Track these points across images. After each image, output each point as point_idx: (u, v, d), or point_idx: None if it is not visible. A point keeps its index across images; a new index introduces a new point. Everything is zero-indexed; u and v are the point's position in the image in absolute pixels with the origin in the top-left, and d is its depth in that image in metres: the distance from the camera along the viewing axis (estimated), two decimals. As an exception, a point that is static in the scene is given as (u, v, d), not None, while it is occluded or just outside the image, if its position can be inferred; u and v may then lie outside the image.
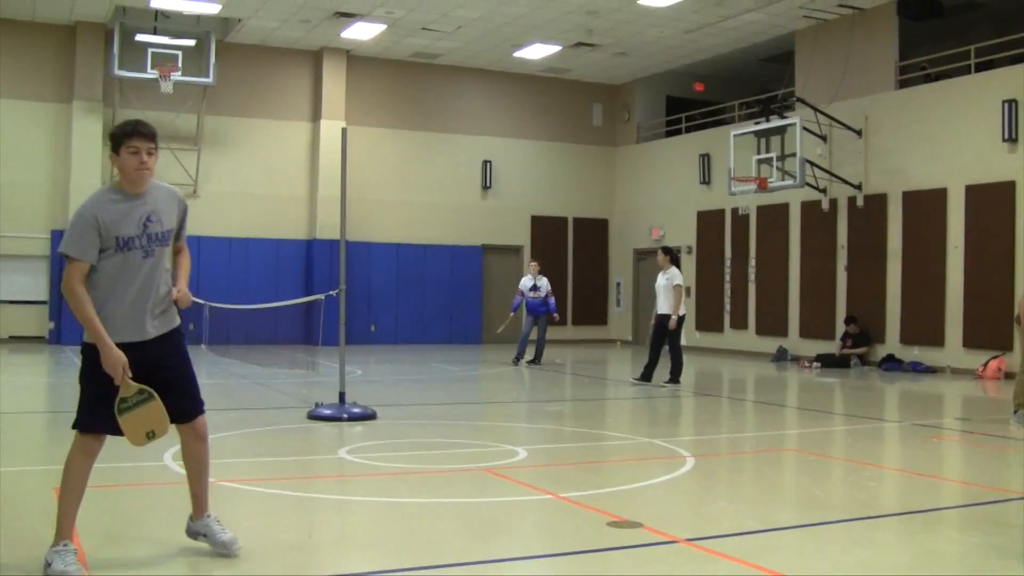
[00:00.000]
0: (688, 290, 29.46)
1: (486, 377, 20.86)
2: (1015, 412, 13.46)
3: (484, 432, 12.58)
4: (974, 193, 21.67)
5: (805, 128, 23.74)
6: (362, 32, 26.67)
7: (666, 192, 30.83)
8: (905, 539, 7.33)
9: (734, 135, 25.26)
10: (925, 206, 22.72)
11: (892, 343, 23.44)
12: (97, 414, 5.88)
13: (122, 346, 5.83)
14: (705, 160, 29.02)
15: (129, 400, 5.83)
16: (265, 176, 28.35)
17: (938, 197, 22.41)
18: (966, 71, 22.68)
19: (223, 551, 6.10)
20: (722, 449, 11.92)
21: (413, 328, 29.54)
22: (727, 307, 28.47)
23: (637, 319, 32.00)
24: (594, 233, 32.81)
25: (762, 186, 23.99)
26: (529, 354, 22.79)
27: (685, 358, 18.39)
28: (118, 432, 5.90)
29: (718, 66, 30.23)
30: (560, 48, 28.24)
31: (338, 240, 13.98)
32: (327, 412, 12.86)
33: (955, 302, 21.93)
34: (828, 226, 25.18)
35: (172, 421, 6.03)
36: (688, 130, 30.79)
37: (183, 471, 6.34)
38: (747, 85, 30.72)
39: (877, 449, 11.90)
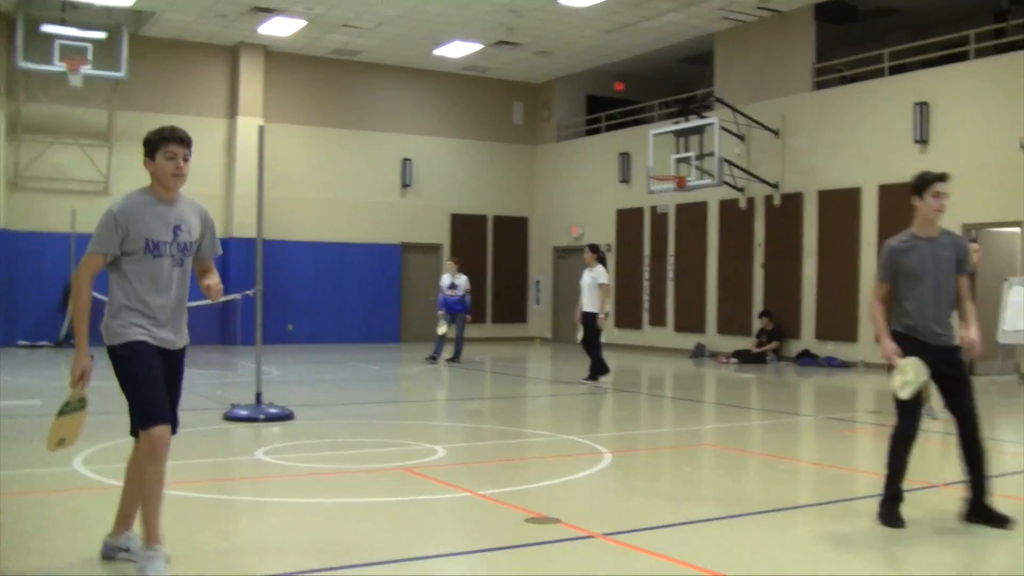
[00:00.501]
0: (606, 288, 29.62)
1: (405, 376, 20.83)
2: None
3: (403, 431, 12.58)
4: (887, 193, 21.99)
5: (723, 128, 23.96)
6: (281, 28, 26.45)
7: (586, 190, 30.95)
8: (819, 529, 7.43)
9: (653, 134, 25.41)
10: (840, 205, 23.04)
11: (807, 339, 23.73)
12: (155, 403, 5.77)
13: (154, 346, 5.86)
14: (625, 159, 29.18)
15: (71, 405, 5.78)
16: (181, 174, 28.06)
17: (852, 196, 22.73)
18: (880, 74, 23.01)
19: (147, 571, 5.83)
20: (640, 445, 12.02)
21: (331, 327, 29.36)
22: (646, 304, 28.65)
23: (557, 317, 32.11)
24: (514, 231, 32.85)
25: (681, 185, 24.16)
26: (448, 352, 22.75)
27: (605, 355, 18.45)
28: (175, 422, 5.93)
29: (638, 66, 30.38)
30: (481, 46, 28.23)
31: (255, 239, 13.89)
32: (243, 413, 12.73)
33: (868, 299, 22.20)
34: (745, 224, 25.43)
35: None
36: (608, 129, 30.93)
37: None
38: (667, 85, 30.93)
39: (791, 443, 12.05)
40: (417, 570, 6.15)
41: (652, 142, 25.24)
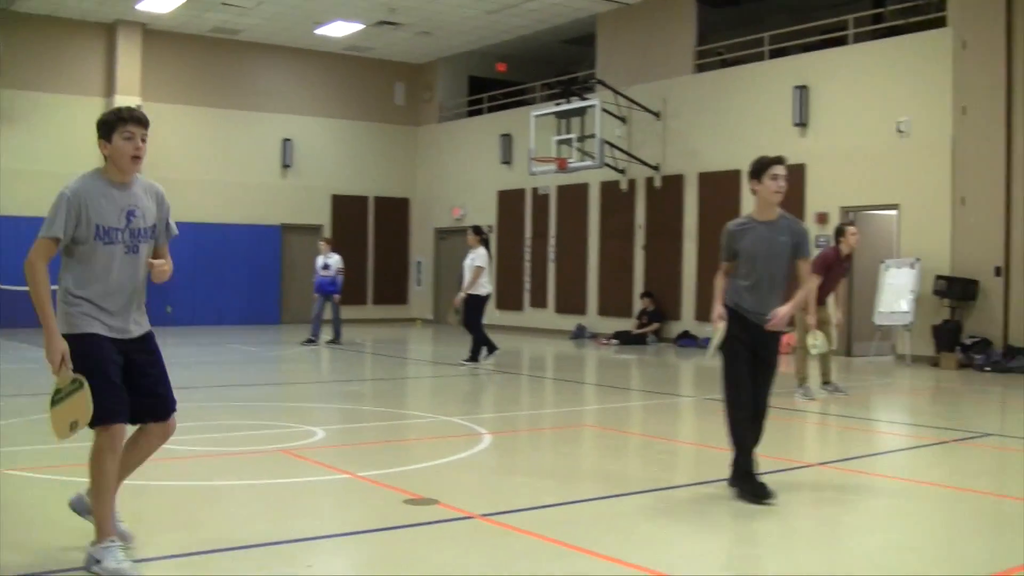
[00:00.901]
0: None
1: (285, 358, 20.68)
2: (799, 386, 13.98)
3: (282, 413, 12.49)
4: (766, 175, 22.23)
5: (605, 110, 24.09)
6: (159, 5, 25.96)
7: (467, 172, 30.96)
8: (695, 508, 7.52)
9: (535, 116, 25.44)
10: (720, 187, 23.29)
11: (688, 320, 24.00)
12: (108, 402, 5.62)
13: (122, 342, 5.75)
14: (506, 140, 29.22)
15: (63, 391, 5.59)
16: (57, 153, 27.30)
17: (732, 179, 22.98)
18: (761, 57, 23.31)
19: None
20: (520, 426, 12.06)
21: (211, 309, 29.01)
22: (527, 286, 28.75)
23: (438, 298, 32.09)
24: (395, 212, 32.75)
25: (562, 166, 24.25)
26: (328, 334, 22.61)
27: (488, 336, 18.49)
28: (132, 422, 5.85)
29: (520, 47, 30.42)
30: (363, 26, 28.04)
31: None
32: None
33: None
34: (626, 206, 25.61)
35: (143, 421, 5.93)
36: (490, 110, 30.95)
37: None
38: (549, 66, 31.00)
39: (671, 423, 12.18)
40: (296, 552, 6.10)
41: (534, 123, 25.27)
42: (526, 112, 26.97)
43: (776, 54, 23.10)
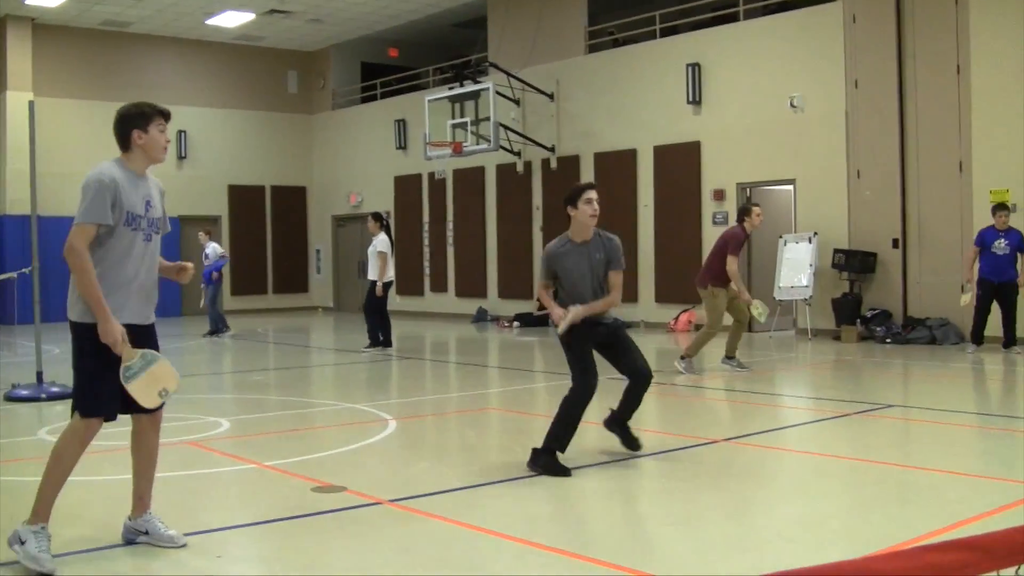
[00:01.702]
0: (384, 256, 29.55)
1: (187, 350, 20.40)
2: (682, 358, 14.22)
3: (187, 405, 12.29)
4: (662, 153, 22.46)
5: (498, 93, 24.09)
6: (45, -2, 25.53)
7: (363, 158, 30.80)
8: (602, 486, 7.56)
9: (429, 100, 25.37)
10: (616, 167, 23.41)
11: (588, 301, 24.03)
12: (101, 396, 5.75)
13: (128, 327, 5.75)
14: (401, 125, 29.10)
15: (133, 366, 5.67)
16: (-52, 148, 26.88)
17: (628, 158, 23.12)
18: (652, 36, 23.42)
19: (171, 546, 5.88)
20: (425, 411, 12.02)
21: (109, 303, 28.52)
22: (427, 270, 28.71)
23: (338, 286, 31.97)
24: (292, 201, 32.52)
25: (457, 150, 24.21)
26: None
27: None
28: (122, 412, 5.89)
29: (412, 31, 30.31)
30: (253, 15, 27.76)
31: (29, 216, 13.47)
32: (24, 393, 12.40)
33: (647, 259, 22.69)
34: (523, 188, 25.65)
35: (136, 411, 5.96)
36: (384, 96, 30.81)
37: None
38: (441, 51, 30.89)
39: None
40: (205, 542, 6.03)
41: (428, 108, 25.20)
42: (420, 97, 26.88)
43: (667, 32, 23.25)
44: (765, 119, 20.69)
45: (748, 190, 21.13)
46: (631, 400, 8.69)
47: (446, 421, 11.29)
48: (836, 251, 19.30)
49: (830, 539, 6.05)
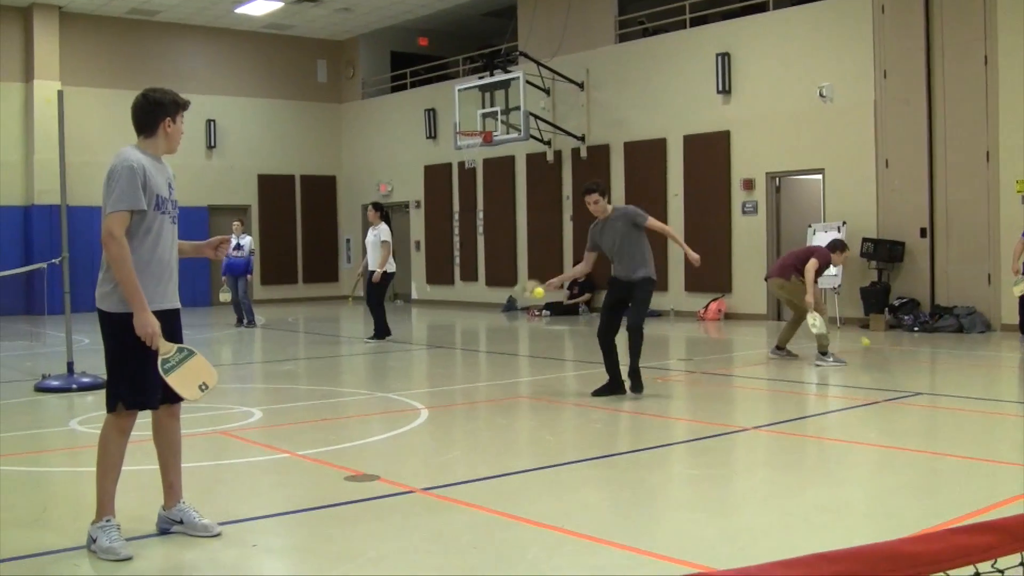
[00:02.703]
0: (417, 244, 29.69)
1: (218, 340, 20.51)
2: (822, 354, 14.22)
3: (219, 395, 12.37)
4: (691, 143, 22.47)
5: (528, 82, 24.11)
6: (74, -13, 25.66)
7: (393, 147, 30.85)
8: (633, 476, 7.61)
9: (459, 90, 25.42)
10: (646, 156, 23.42)
11: (618, 290, 24.07)
12: (146, 388, 5.82)
13: (157, 313, 5.78)
14: (431, 115, 29.15)
15: (171, 359, 5.72)
16: (-22, 139, 27.05)
17: (658, 147, 23.13)
18: (682, 26, 23.39)
19: (205, 535, 5.96)
20: (456, 400, 12.09)
21: (141, 293, 28.60)
22: (456, 260, 28.75)
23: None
24: (322, 190, 32.59)
25: (487, 140, 24.25)
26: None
27: (416, 312, 18.51)
28: (160, 403, 5.95)
29: (442, 21, 30.33)
30: (282, 4, 27.81)
31: (58, 205, 13.54)
32: (55, 383, 12.44)
33: (676, 248, 22.62)
34: (553, 177, 25.68)
35: (169, 402, 6.02)
36: (413, 85, 30.87)
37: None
38: (471, 40, 30.94)
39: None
40: (239, 532, 6.10)
41: (457, 97, 25.25)
42: (450, 86, 26.93)
43: (697, 22, 23.24)
44: (794, 109, 20.67)
45: (777, 179, 21.13)
46: (629, 349, 11.12)
47: (477, 410, 11.35)
48: (864, 240, 19.28)
49: (858, 525, 6.10)
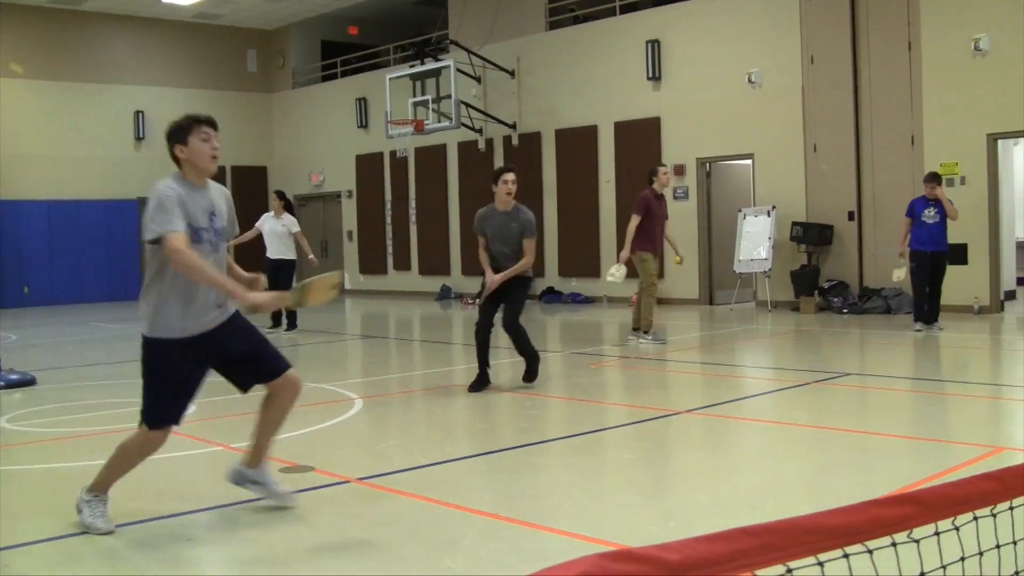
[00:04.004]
0: (350, 234, 29.61)
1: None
2: (637, 331, 14.40)
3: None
4: (622, 130, 22.58)
5: (459, 70, 24.11)
6: (-2, -22, 25.31)
7: (324, 137, 30.76)
8: (566, 461, 7.67)
9: (390, 78, 25.40)
10: (577, 143, 23.51)
11: (551, 276, 24.19)
12: (162, 410, 5.98)
13: (184, 341, 5.85)
14: (362, 104, 29.08)
15: (295, 294, 6.13)
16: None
17: (589, 134, 23.23)
18: (612, 13, 23.47)
19: (281, 503, 6.27)
20: (391, 389, 12.10)
21: (70, 287, 28.38)
22: (389, 249, 28.70)
23: (301, 265, 31.81)
24: (253, 181, 32.31)
25: (419, 128, 24.24)
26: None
27: (349, 302, 18.45)
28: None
29: (372, 9, 30.24)
30: (210, -7, 27.64)
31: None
32: (-19, 380, 12.30)
33: (608, 234, 22.81)
34: (485, 166, 25.65)
35: (263, 382, 6.32)
36: (344, 75, 30.79)
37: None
38: (402, 28, 30.82)
39: (540, 379, 12.27)
40: (175, 527, 6.09)
41: (389, 86, 25.21)
42: (381, 75, 26.91)
43: (627, 9, 23.33)
44: (724, 95, 20.85)
45: (708, 165, 21.31)
46: (515, 345, 11.23)
47: (413, 398, 11.35)
48: (794, 224, 19.50)
49: (792, 504, 6.18)
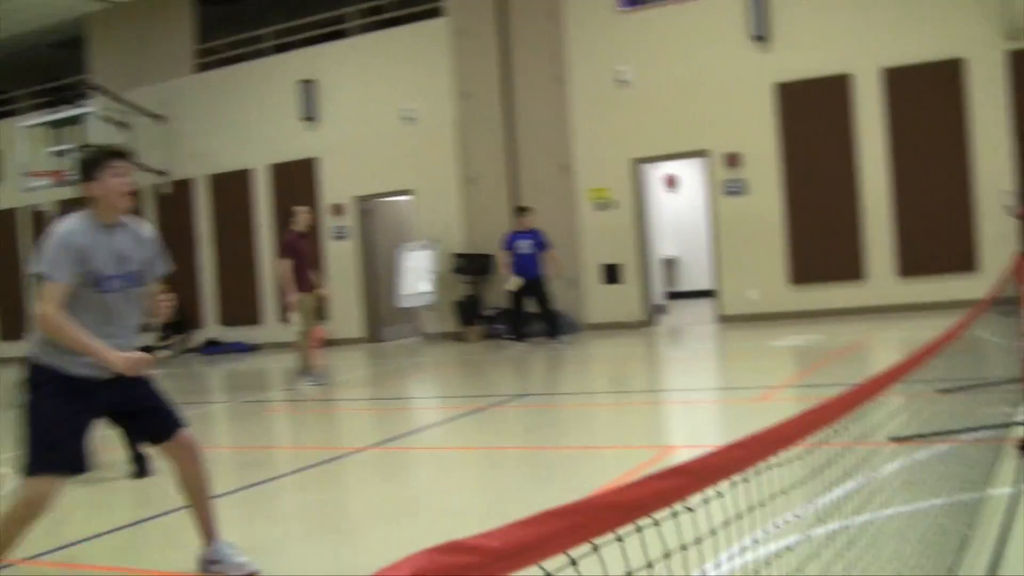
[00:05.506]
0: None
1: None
2: (301, 375, 14.16)
3: None
4: (279, 172, 22.27)
5: (103, 116, 23.13)
6: None
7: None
8: (244, 511, 7.25)
9: (23, 127, 24.09)
10: (232, 188, 23.02)
11: (213, 327, 23.49)
12: (66, 453, 5.30)
13: (84, 382, 5.22)
14: (-8, 155, 27.33)
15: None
16: None
17: (244, 178, 22.79)
18: (264, 53, 23.10)
19: (239, 573, 5.60)
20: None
21: None
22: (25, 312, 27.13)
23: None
24: None
25: (60, 179, 23.09)
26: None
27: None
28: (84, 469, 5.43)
29: (1, 52, 28.58)
30: None
31: None
32: None
33: (269, 279, 22.33)
34: (133, 214, 24.70)
35: (155, 443, 5.68)
36: (-29, 123, 28.99)
37: None
38: (36, 73, 29.23)
39: (213, 431, 11.72)
40: None
41: (22, 136, 23.90)
42: (11, 124, 25.42)
43: (280, 49, 23.01)
44: (381, 132, 20.90)
45: (367, 203, 21.23)
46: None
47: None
48: (456, 255, 19.73)
49: (489, 518, 5.93)
